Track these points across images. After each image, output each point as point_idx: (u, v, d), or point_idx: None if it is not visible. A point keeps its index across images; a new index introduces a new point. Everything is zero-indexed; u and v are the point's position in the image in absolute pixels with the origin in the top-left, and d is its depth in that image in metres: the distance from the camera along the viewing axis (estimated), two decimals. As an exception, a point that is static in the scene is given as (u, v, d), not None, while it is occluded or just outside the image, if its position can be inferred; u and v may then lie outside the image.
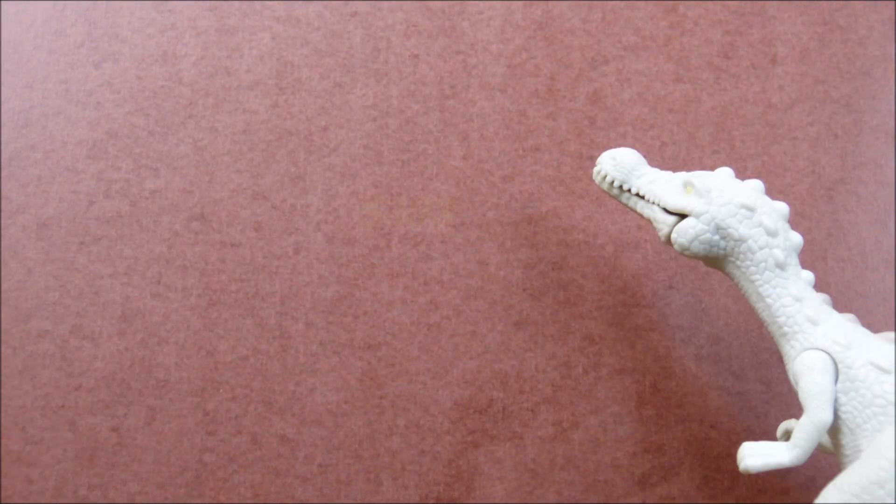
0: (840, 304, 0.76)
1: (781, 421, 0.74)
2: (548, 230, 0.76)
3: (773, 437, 0.74)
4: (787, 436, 0.66)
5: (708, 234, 0.60)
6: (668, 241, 0.62)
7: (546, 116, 0.78)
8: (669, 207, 0.61)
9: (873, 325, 0.76)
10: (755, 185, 0.61)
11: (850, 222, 0.78)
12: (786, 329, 0.59)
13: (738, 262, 0.60)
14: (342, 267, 0.74)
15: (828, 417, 0.55)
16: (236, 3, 0.79)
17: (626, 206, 0.66)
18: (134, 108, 0.76)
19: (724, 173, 0.62)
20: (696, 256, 0.61)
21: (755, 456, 0.56)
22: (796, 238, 0.61)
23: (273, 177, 0.75)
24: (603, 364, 0.74)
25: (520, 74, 0.79)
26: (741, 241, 0.60)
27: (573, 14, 0.81)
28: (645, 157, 0.78)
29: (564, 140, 0.78)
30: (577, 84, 0.79)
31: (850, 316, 0.61)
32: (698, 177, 0.61)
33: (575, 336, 0.74)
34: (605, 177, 0.63)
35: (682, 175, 0.62)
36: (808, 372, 0.57)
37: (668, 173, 0.63)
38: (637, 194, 0.63)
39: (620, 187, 0.63)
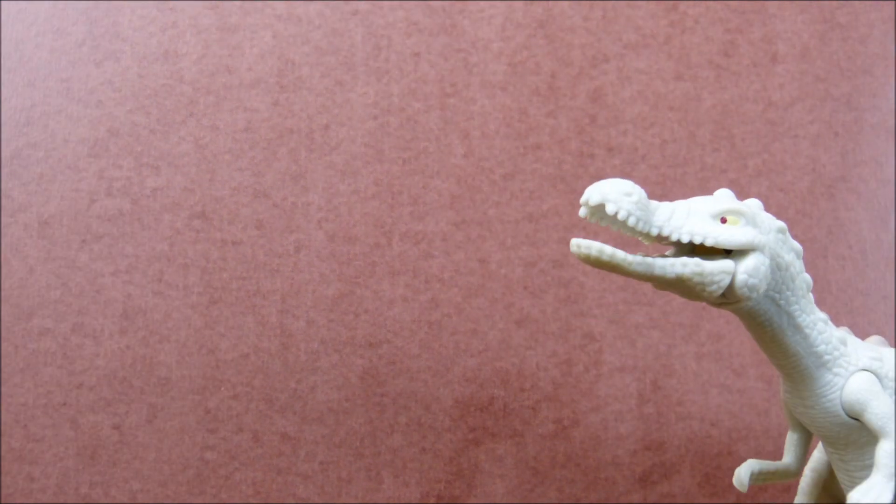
0: (840, 302, 0.76)
1: (782, 420, 0.74)
2: (548, 228, 0.76)
3: (772, 436, 0.74)
4: (755, 477, 0.61)
5: (770, 270, 0.51)
6: (722, 292, 0.50)
7: (547, 114, 0.79)
8: (728, 245, 0.50)
9: (874, 323, 0.76)
10: (760, 205, 0.54)
11: (850, 220, 0.78)
12: (826, 357, 0.53)
13: (777, 295, 0.52)
14: (343, 265, 0.74)
15: None
16: (237, 2, 0.79)
17: (626, 272, 0.50)
18: (135, 107, 0.76)
19: (731, 196, 0.54)
20: (755, 298, 0.51)
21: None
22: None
23: (274, 175, 0.75)
24: (604, 362, 0.74)
25: (521, 72, 0.79)
26: (786, 269, 0.52)
27: (574, 12, 0.81)
28: (646, 155, 0.78)
29: (565, 138, 0.78)
30: (578, 82, 0.79)
31: (845, 328, 0.60)
32: (739, 204, 0.51)
33: (576, 334, 0.74)
34: (627, 218, 0.48)
35: (700, 205, 0.51)
36: (875, 396, 0.53)
37: (672, 204, 0.51)
38: (659, 236, 0.50)
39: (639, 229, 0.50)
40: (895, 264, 0.78)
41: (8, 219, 0.73)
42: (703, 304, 0.75)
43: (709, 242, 0.49)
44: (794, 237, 0.78)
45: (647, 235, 0.49)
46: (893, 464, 0.51)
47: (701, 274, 0.49)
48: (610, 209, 0.48)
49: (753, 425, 0.74)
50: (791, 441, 0.62)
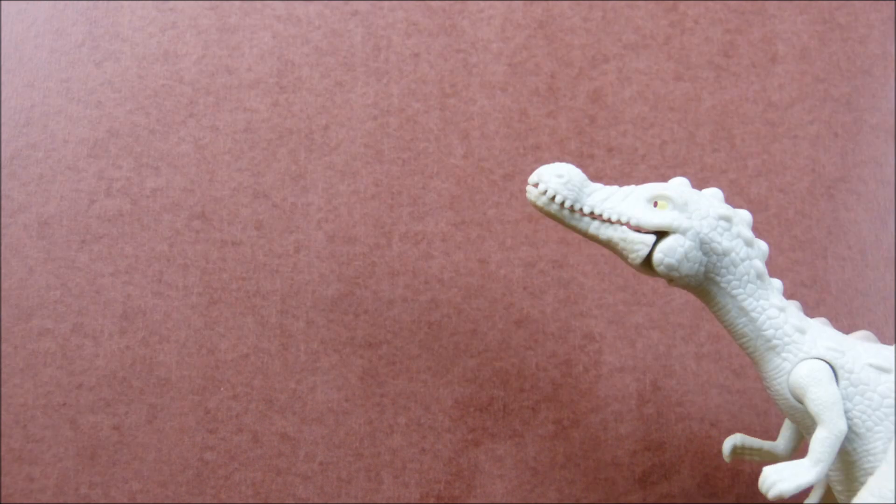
0: (840, 303, 0.76)
1: (782, 419, 0.74)
2: (548, 228, 0.76)
3: (772, 437, 0.74)
4: (737, 451, 0.63)
5: (695, 251, 0.55)
6: (643, 264, 0.56)
7: (546, 115, 0.79)
8: (647, 226, 0.55)
9: (873, 324, 0.76)
10: (718, 195, 0.58)
11: (850, 220, 0.78)
12: (775, 342, 0.57)
13: (719, 278, 0.56)
14: (343, 265, 0.74)
15: (845, 427, 0.54)
16: (237, 2, 0.79)
17: (571, 227, 0.57)
18: (135, 107, 0.76)
19: (684, 183, 0.58)
20: (678, 277, 0.56)
21: (784, 480, 0.53)
22: (765, 246, 0.58)
23: (274, 175, 0.75)
24: (603, 362, 0.74)
25: (520, 73, 0.79)
26: (724, 254, 0.56)
27: (573, 13, 0.81)
28: (645, 156, 0.78)
29: (565, 138, 0.78)
30: (578, 82, 0.79)
31: (823, 319, 0.60)
32: (670, 190, 0.56)
33: (575, 334, 0.74)
34: (553, 196, 0.55)
35: (642, 190, 0.57)
36: (817, 383, 0.55)
37: (617, 188, 0.57)
38: (591, 214, 0.56)
39: (571, 208, 0.56)
40: (895, 265, 0.78)
41: (7, 219, 0.73)
42: (703, 304, 0.75)
43: (633, 223, 0.55)
44: (794, 238, 0.78)
45: (579, 213, 0.56)
46: (824, 451, 0.54)
47: (625, 240, 0.55)
48: (540, 188, 0.55)
49: (753, 426, 0.74)
50: (786, 426, 0.64)
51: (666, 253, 0.55)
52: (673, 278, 0.56)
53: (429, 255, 0.75)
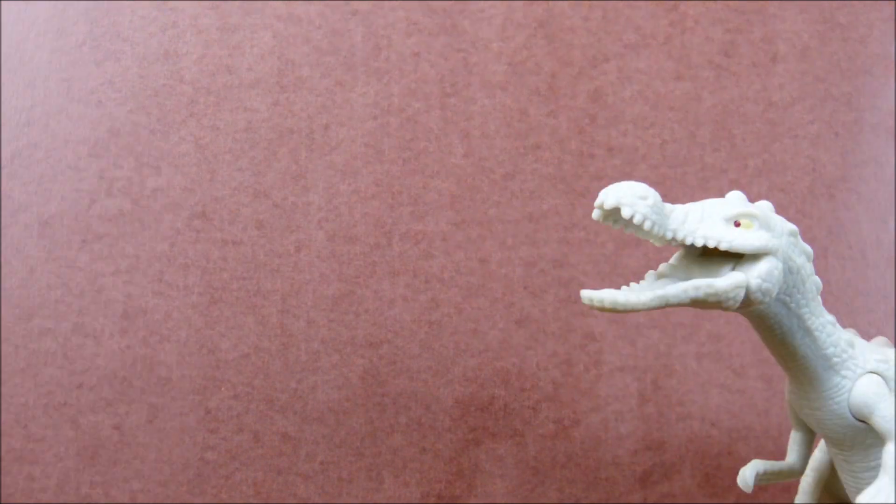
0: (841, 302, 0.76)
1: (782, 420, 0.74)
2: (548, 228, 0.76)
3: (772, 436, 0.74)
4: (760, 478, 0.61)
5: (783, 273, 0.50)
6: (740, 299, 0.49)
7: (547, 114, 0.79)
8: (744, 249, 0.49)
9: (874, 324, 0.76)
10: (771, 207, 0.53)
11: (850, 220, 0.78)
12: (835, 360, 0.53)
13: (788, 298, 0.51)
14: (343, 265, 0.74)
15: None
16: (237, 2, 0.79)
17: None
18: (135, 107, 0.76)
19: (741, 198, 0.53)
20: (763, 303, 0.50)
21: (876, 497, 0.49)
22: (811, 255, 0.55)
23: (274, 175, 0.75)
24: (604, 362, 0.74)
25: (521, 72, 0.79)
26: (797, 272, 0.51)
27: (574, 12, 0.81)
28: (646, 155, 0.79)
29: (565, 138, 0.78)
30: (578, 82, 0.79)
31: (851, 330, 0.59)
32: (753, 207, 0.51)
33: (576, 334, 0.74)
34: (642, 222, 0.48)
35: (716, 209, 0.50)
36: (884, 399, 0.52)
37: (687, 206, 0.51)
38: (673, 240, 0.49)
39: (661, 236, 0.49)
40: (895, 264, 0.78)
41: (9, 219, 0.73)
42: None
43: (723, 247, 0.49)
44: (795, 237, 0.78)
45: (661, 238, 0.49)
46: None
47: (716, 294, 0.48)
48: (626, 213, 0.47)
49: (753, 425, 0.74)
50: (795, 440, 0.62)
51: (764, 278, 0.49)
52: (763, 303, 0.50)
53: (429, 255, 0.75)
